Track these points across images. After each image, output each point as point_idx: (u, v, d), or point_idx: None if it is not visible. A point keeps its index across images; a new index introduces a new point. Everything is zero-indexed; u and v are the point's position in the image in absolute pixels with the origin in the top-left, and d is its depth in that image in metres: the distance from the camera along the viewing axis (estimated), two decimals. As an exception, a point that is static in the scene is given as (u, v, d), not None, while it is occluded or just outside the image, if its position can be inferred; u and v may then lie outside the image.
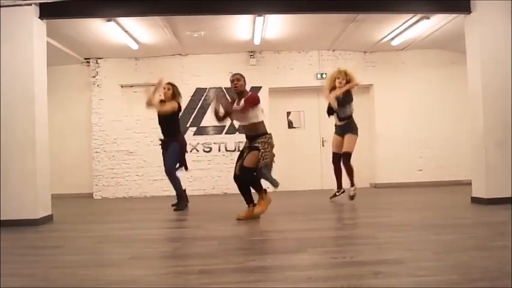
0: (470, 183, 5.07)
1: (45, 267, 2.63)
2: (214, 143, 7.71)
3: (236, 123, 7.33)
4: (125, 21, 5.81)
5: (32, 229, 4.11)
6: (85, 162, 7.68)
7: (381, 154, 7.74)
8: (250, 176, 4.17)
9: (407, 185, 7.50)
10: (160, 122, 5.39)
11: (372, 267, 2.32)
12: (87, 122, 7.71)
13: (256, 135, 4.23)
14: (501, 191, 4.71)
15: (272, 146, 4.27)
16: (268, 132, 4.33)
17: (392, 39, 6.91)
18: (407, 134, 7.69)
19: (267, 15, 5.68)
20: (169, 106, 5.25)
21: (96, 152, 7.61)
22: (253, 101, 4.23)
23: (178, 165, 5.37)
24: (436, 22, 6.10)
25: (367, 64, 7.77)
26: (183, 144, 5.46)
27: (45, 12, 4.63)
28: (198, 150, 7.66)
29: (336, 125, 5.52)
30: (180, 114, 5.50)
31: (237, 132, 7.55)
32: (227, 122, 5.12)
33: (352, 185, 5.37)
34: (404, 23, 6.23)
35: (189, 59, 7.72)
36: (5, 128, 4.44)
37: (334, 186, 5.73)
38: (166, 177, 5.41)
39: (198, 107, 7.72)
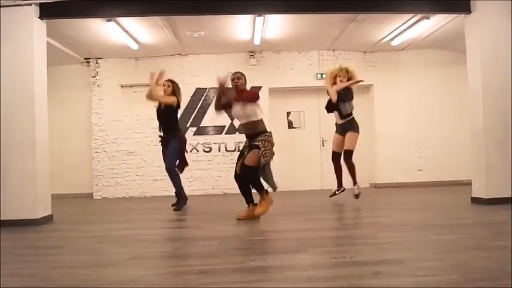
0: (470, 183, 5.07)
1: (45, 267, 2.63)
2: (214, 143, 7.71)
3: (236, 123, 7.34)
4: (125, 21, 5.80)
5: (32, 229, 4.11)
6: (85, 162, 7.68)
7: (381, 154, 7.74)
8: (251, 175, 4.16)
9: (407, 185, 7.50)
10: (159, 117, 5.39)
11: (372, 267, 2.32)
12: (87, 122, 7.71)
13: (256, 133, 4.23)
14: (501, 191, 4.72)
15: (272, 144, 4.26)
16: (268, 130, 4.32)
17: (392, 39, 6.91)
18: (407, 134, 7.69)
19: (267, 15, 5.68)
20: (171, 98, 5.26)
21: (96, 152, 7.61)
22: (253, 95, 4.26)
23: (178, 162, 5.38)
24: (436, 22, 6.10)
25: (367, 64, 7.77)
26: (183, 142, 5.47)
27: (45, 12, 4.63)
28: (198, 150, 7.66)
29: (336, 124, 5.51)
30: (179, 111, 5.50)
31: (237, 132, 7.56)
32: (221, 114, 5.07)
33: (355, 183, 5.36)
34: (404, 23, 6.23)
35: (189, 59, 7.72)
36: (5, 128, 4.44)
37: (334, 186, 5.73)
38: (166, 177, 5.41)
39: (198, 107, 7.72)
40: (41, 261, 2.79)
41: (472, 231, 3.35)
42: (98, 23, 5.78)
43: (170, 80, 5.42)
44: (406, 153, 7.67)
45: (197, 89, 7.69)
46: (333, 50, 7.77)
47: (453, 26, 6.02)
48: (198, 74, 7.66)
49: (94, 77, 7.70)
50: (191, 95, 7.65)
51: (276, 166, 4.48)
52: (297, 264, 2.55)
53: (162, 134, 5.46)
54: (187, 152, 5.76)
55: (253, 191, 4.27)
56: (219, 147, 7.70)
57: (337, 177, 5.63)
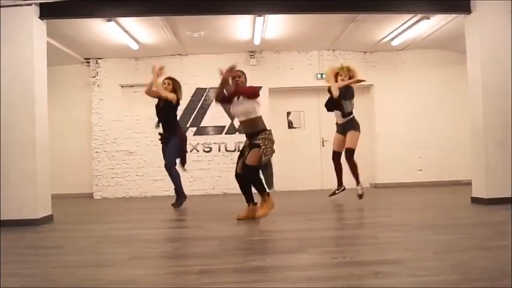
0: (470, 183, 5.07)
1: (45, 267, 2.63)
2: (214, 143, 7.71)
3: (236, 123, 7.34)
4: (125, 21, 5.81)
5: (32, 229, 4.11)
6: (85, 162, 7.69)
7: (381, 154, 7.74)
8: (253, 174, 4.14)
9: (407, 185, 7.50)
10: (158, 114, 5.38)
11: (372, 267, 2.32)
12: (87, 122, 7.72)
13: (256, 131, 4.20)
14: (501, 191, 4.71)
15: (273, 142, 4.23)
16: (268, 128, 4.30)
17: (392, 39, 6.91)
18: (407, 134, 7.69)
19: (267, 15, 5.68)
20: (171, 94, 5.26)
21: (96, 152, 7.62)
22: (254, 91, 4.22)
23: (179, 159, 5.37)
24: (436, 22, 6.10)
25: (367, 64, 7.77)
26: (184, 139, 5.47)
27: (45, 12, 4.63)
28: (198, 150, 7.66)
29: (337, 124, 5.51)
30: (179, 110, 5.49)
31: (237, 133, 7.56)
32: (219, 106, 5.03)
33: (358, 183, 5.33)
34: (404, 23, 6.23)
35: (189, 59, 7.72)
36: (5, 128, 4.44)
37: (335, 186, 5.73)
38: (166, 178, 5.41)
39: (198, 107, 7.72)
40: (41, 261, 2.79)
41: (472, 231, 3.35)
42: (98, 23, 5.78)
43: (171, 78, 5.43)
44: (406, 153, 7.67)
45: (197, 89, 7.69)
46: (333, 50, 7.77)
47: (453, 26, 6.02)
48: (198, 74, 7.66)
49: (94, 77, 7.70)
50: (191, 95, 7.65)
51: (276, 166, 4.47)
52: (297, 264, 2.55)
53: (161, 131, 5.46)
54: (187, 152, 5.76)
55: (254, 191, 4.26)
56: (219, 147, 7.71)
57: (337, 177, 5.63)
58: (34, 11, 4.54)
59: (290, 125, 8.09)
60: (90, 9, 4.81)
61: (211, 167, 7.63)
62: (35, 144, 4.45)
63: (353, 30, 6.53)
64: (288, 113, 8.08)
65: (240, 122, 4.44)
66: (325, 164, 7.48)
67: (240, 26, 6.34)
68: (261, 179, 4.22)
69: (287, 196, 6.42)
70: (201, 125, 7.73)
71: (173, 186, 5.42)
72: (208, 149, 7.70)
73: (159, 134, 5.50)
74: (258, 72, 7.57)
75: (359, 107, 5.88)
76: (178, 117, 5.68)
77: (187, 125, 7.61)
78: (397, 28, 6.46)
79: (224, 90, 4.39)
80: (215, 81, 7.55)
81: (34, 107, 4.47)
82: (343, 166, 5.56)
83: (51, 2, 4.58)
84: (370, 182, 7.84)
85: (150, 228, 4.21)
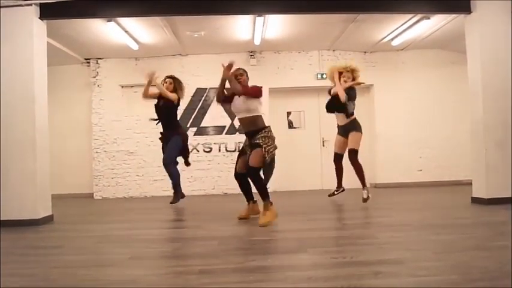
0: (470, 183, 5.07)
1: (45, 267, 2.63)
2: (215, 143, 7.71)
3: (236, 123, 7.34)
4: (125, 21, 5.81)
5: (32, 229, 4.11)
6: (85, 163, 7.69)
7: (381, 154, 7.74)
8: (257, 177, 4.03)
9: (407, 185, 7.50)
10: (158, 113, 5.36)
11: (372, 267, 2.32)
12: (87, 122, 7.72)
13: (256, 130, 4.10)
14: (501, 191, 4.71)
15: (273, 139, 4.13)
16: (267, 125, 4.20)
17: (392, 39, 6.91)
18: (407, 134, 7.69)
19: (267, 16, 5.68)
20: (172, 94, 5.24)
21: (97, 152, 7.62)
22: (257, 91, 4.13)
23: (182, 157, 5.37)
24: (436, 22, 6.10)
25: (367, 64, 7.76)
26: (185, 138, 5.46)
27: (46, 12, 4.63)
28: (198, 151, 7.67)
29: (338, 126, 5.48)
30: (179, 109, 5.49)
31: (237, 133, 7.56)
32: (220, 106, 4.99)
33: (364, 186, 5.22)
34: (404, 23, 6.23)
35: (189, 59, 7.72)
36: (5, 128, 4.44)
37: (335, 186, 5.73)
38: (166, 178, 5.40)
39: (198, 107, 7.72)
40: (41, 261, 2.79)
41: (472, 231, 3.35)
42: (98, 23, 5.78)
43: (172, 77, 5.39)
44: (406, 153, 7.67)
45: (197, 89, 7.69)
46: (333, 50, 7.77)
47: (453, 26, 6.02)
48: (198, 74, 7.66)
49: (94, 77, 7.70)
50: (191, 95, 7.64)
51: (276, 166, 4.45)
52: (297, 264, 2.55)
53: (161, 130, 5.46)
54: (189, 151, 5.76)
55: (254, 191, 4.24)
56: (219, 147, 7.71)
57: (337, 178, 5.63)
58: (34, 11, 4.54)
59: (290, 125, 8.09)
60: (90, 9, 4.81)
61: (212, 167, 7.64)
62: (35, 144, 4.46)
63: (353, 30, 6.53)
64: (288, 113, 8.08)
65: (240, 119, 4.28)
66: (325, 164, 7.49)
67: (240, 26, 6.34)
68: (265, 183, 4.09)
69: (287, 196, 6.42)
70: (201, 125, 7.73)
71: (171, 185, 5.41)
72: (208, 149, 7.70)
73: (160, 133, 5.50)
74: (258, 72, 7.54)
75: (359, 107, 5.86)
76: (178, 118, 5.67)
77: (188, 125, 7.61)
78: (397, 28, 6.46)
79: (224, 91, 4.37)
80: (215, 81, 7.55)
81: (34, 107, 4.48)
82: (344, 168, 5.54)
83: (51, 2, 4.58)
84: (370, 182, 7.80)
85: (150, 228, 4.21)
